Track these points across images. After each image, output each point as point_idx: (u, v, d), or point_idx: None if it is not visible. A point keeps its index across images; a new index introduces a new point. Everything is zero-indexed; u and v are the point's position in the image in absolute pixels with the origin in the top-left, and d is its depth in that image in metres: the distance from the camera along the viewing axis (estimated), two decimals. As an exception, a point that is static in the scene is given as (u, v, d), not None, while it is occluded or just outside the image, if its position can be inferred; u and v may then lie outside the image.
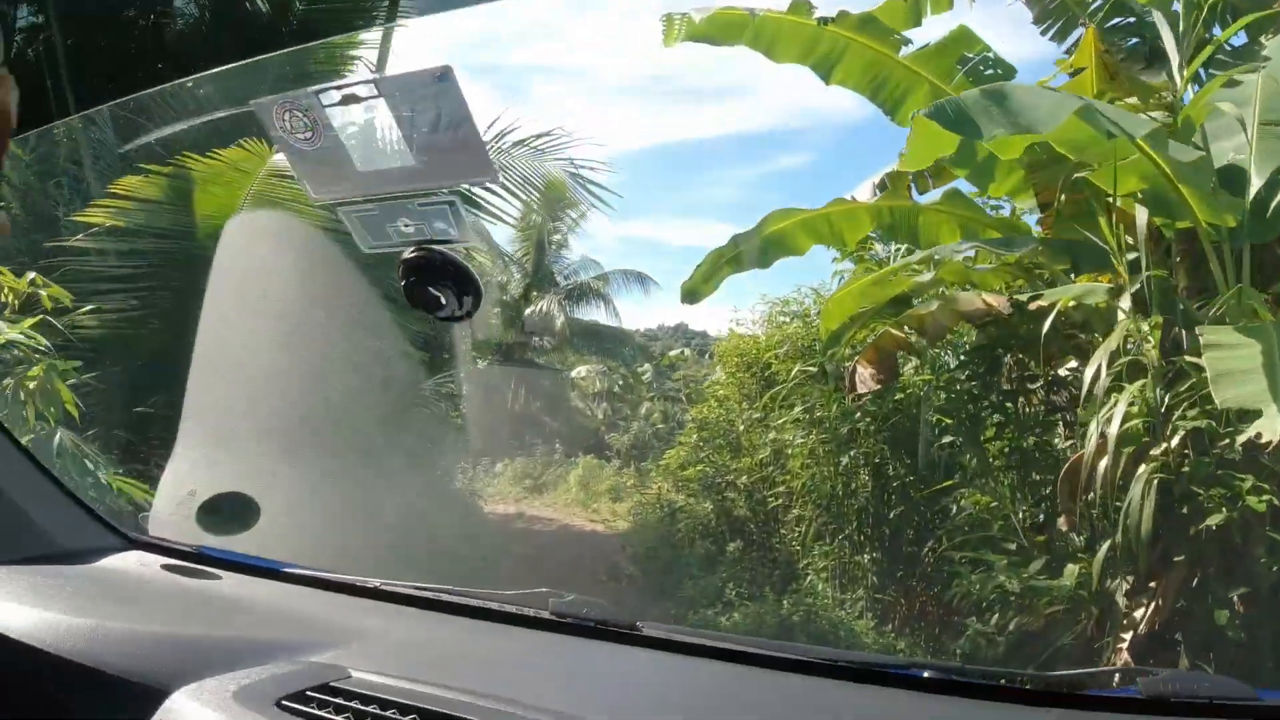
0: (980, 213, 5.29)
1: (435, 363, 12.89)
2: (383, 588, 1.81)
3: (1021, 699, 1.33)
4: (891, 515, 6.48)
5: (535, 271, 21.20)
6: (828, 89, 5.31)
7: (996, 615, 4.31)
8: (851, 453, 6.39)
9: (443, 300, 1.47)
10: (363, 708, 1.32)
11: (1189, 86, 4.58)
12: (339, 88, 1.21)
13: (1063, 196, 4.44)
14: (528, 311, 20.60)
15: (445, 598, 1.77)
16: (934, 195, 5.52)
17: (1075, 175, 4.26)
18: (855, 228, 5.71)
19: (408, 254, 1.42)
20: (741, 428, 8.09)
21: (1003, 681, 1.39)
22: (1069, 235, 4.39)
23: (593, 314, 21.58)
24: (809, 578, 6.96)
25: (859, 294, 5.32)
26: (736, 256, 5.76)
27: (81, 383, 5.39)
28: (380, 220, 1.38)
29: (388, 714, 1.30)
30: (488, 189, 6.07)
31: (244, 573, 1.97)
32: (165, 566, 1.97)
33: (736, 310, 8.36)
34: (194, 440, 3.16)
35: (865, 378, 5.00)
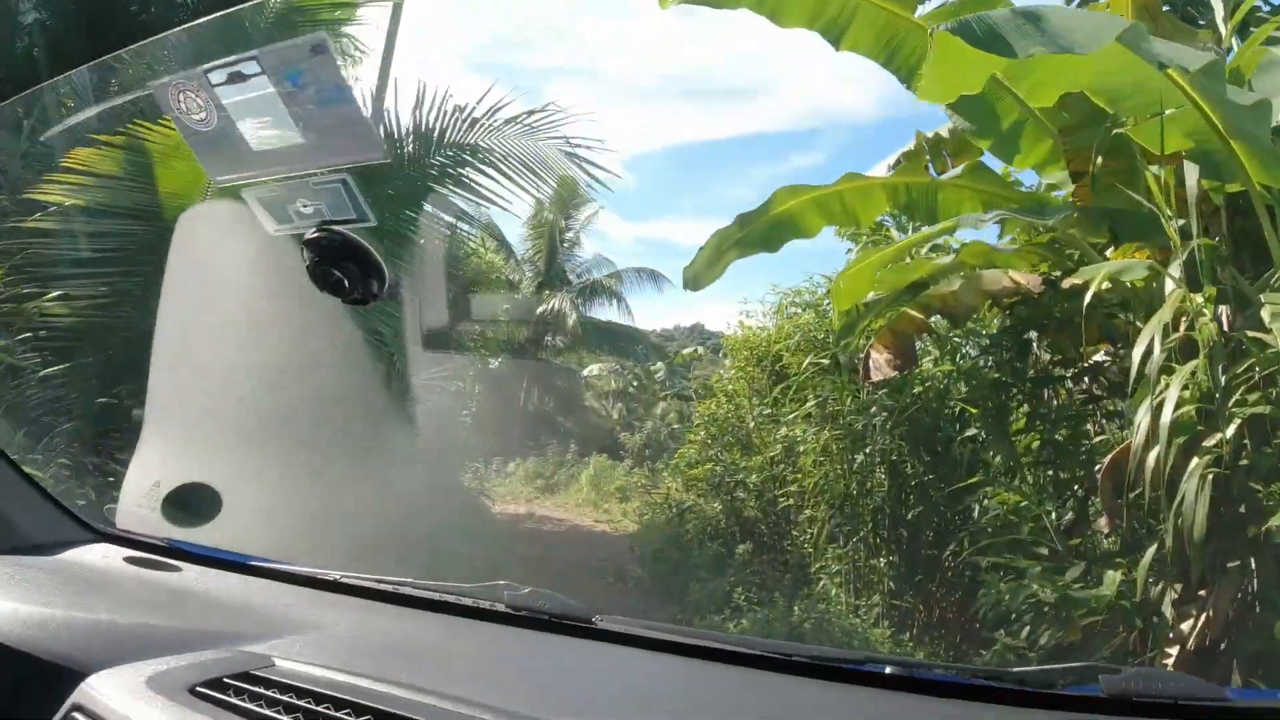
0: (1006, 186, 4.81)
1: (426, 357, 12.65)
2: (342, 580, 1.81)
3: (981, 696, 1.30)
4: (909, 516, 6.02)
5: (548, 269, 20.86)
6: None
7: (1028, 627, 3.85)
8: (866, 449, 5.94)
9: (346, 282, 1.46)
10: (278, 696, 1.32)
11: (1234, 37, 4.11)
12: (225, 65, 1.19)
13: (1099, 160, 3.97)
14: (540, 309, 20.25)
15: (404, 590, 1.76)
16: (955, 173, 5.04)
17: (1115, 132, 3.79)
18: (869, 206, 5.25)
19: (308, 235, 1.41)
20: (751, 424, 7.66)
21: (962, 678, 1.37)
22: (1107, 202, 3.92)
23: (606, 312, 21.20)
24: (821, 582, 6.51)
25: (872, 273, 4.86)
26: (742, 239, 5.33)
27: (50, 374, 5.15)
28: (281, 202, 1.37)
29: (302, 702, 1.30)
30: (481, 170, 5.74)
31: (207, 565, 1.97)
32: (128, 559, 1.98)
33: (746, 302, 7.97)
34: (162, 432, 3.08)
35: (881, 364, 4.53)
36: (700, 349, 18.85)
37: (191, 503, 2.51)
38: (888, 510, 6.03)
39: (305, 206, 1.38)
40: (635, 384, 22.11)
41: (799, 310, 7.20)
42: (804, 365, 6.35)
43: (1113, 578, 3.55)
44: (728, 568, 7.32)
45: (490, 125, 5.47)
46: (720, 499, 7.85)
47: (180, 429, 3.19)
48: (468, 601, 1.68)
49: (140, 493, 2.71)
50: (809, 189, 5.13)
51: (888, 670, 1.34)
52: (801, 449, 6.46)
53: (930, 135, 5.62)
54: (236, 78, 1.21)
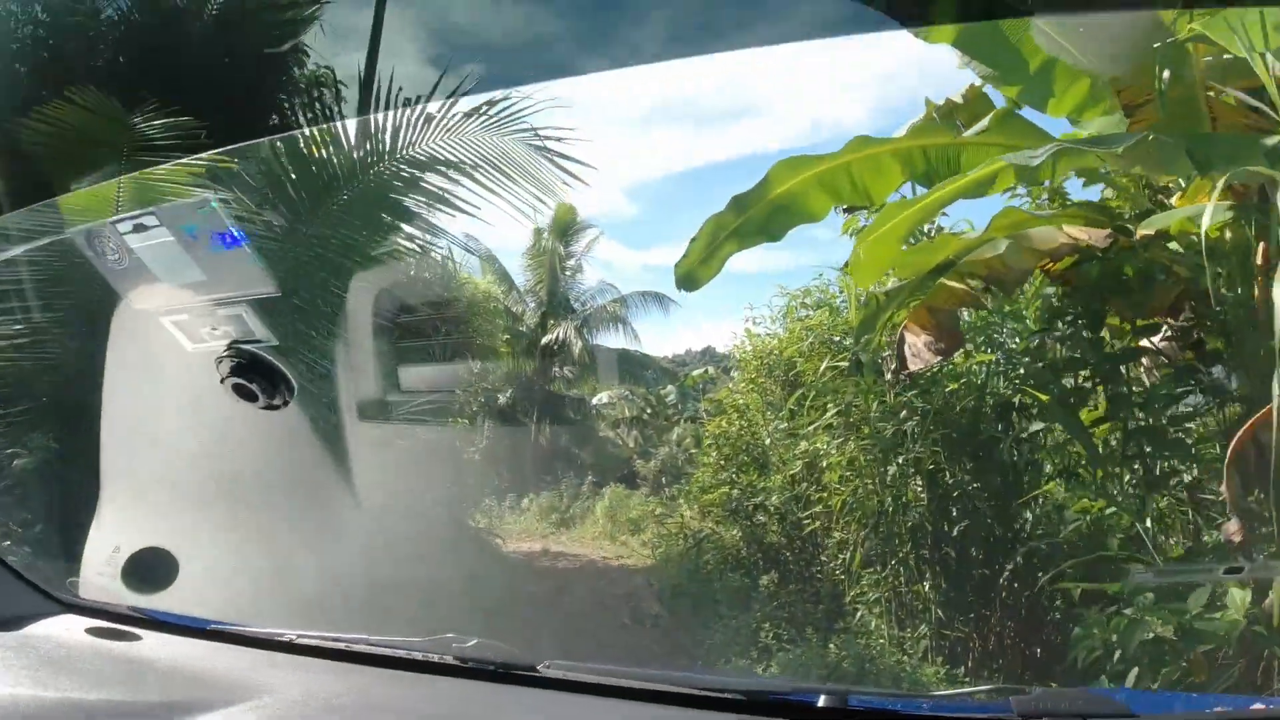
0: (1043, 136, 4.04)
1: (422, 395, 11.92)
2: (296, 641, 1.85)
3: None
4: (954, 532, 5.19)
5: (550, 298, 20.19)
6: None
7: (1135, 668, 2.99)
8: (899, 459, 5.14)
9: (257, 392, 1.69)
10: None
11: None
12: (129, 219, 1.45)
13: (1165, 75, 3.17)
14: (545, 340, 19.56)
15: (355, 648, 1.80)
16: (981, 126, 4.25)
17: (1180, 39, 3.02)
18: (882, 178, 4.47)
19: (219, 354, 1.62)
20: (767, 441, 6.87)
21: (884, 702, 1.40)
22: (1184, 126, 3.14)
23: (612, 339, 20.49)
24: (859, 613, 5.65)
25: (899, 237, 4.07)
26: (740, 228, 4.57)
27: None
28: (193, 324, 1.60)
29: None
30: (441, 172, 5.05)
31: (168, 632, 1.95)
32: (91, 630, 1.95)
33: (752, 309, 7.21)
34: (119, 499, 3.14)
35: (919, 348, 3.68)
36: (710, 369, 18.01)
37: (151, 567, 2.48)
38: (929, 527, 5.20)
39: (214, 329, 1.53)
40: (648, 410, 21.32)
41: (809, 312, 6.44)
42: (820, 370, 5.56)
43: (1240, 598, 2.73)
44: (752, 602, 6.48)
45: (447, 124, 4.78)
46: (739, 525, 7.02)
47: (139, 495, 3.30)
48: (417, 655, 1.70)
49: (100, 560, 2.75)
50: (811, 161, 4.36)
51: (821, 701, 1.34)
52: (825, 464, 5.65)
53: (941, 102, 4.88)
54: (139, 228, 1.44)
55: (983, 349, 4.83)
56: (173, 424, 3.54)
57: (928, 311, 3.63)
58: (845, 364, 5.38)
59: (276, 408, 1.65)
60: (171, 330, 1.68)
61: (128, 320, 3.20)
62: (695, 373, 19.29)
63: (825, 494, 5.77)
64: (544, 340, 19.67)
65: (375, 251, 5.44)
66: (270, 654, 1.88)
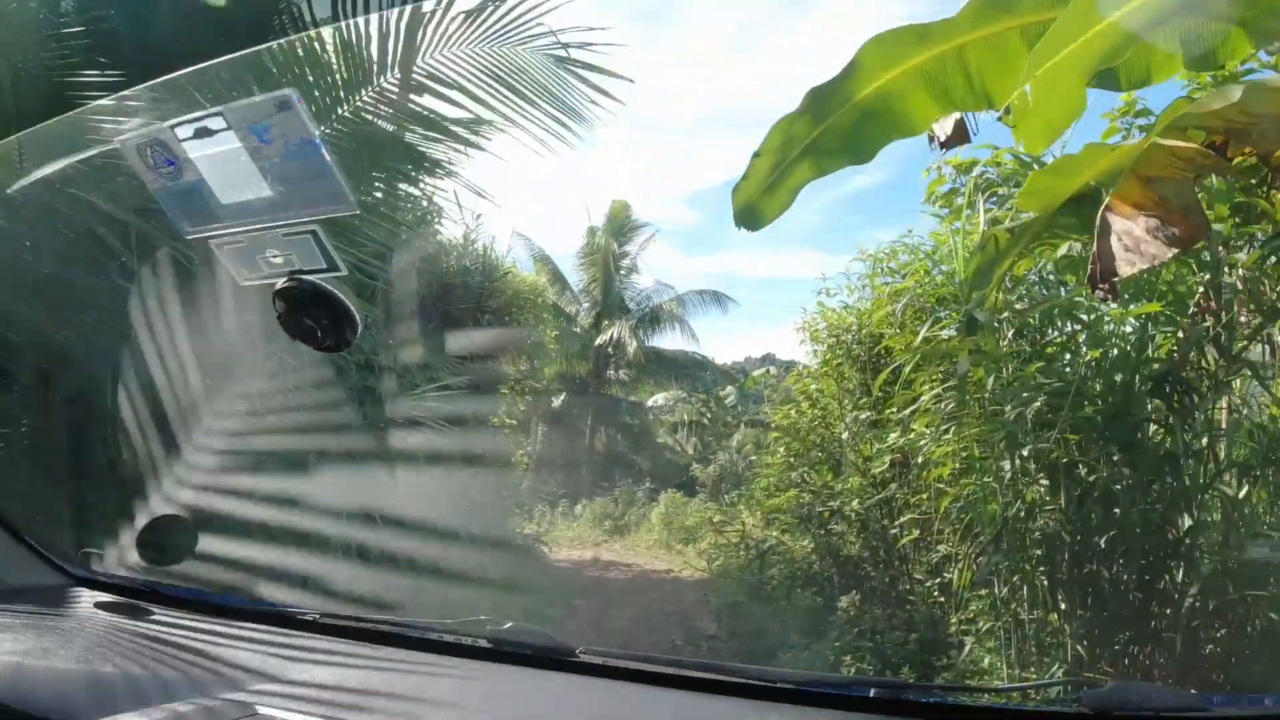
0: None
1: (474, 396, 10.95)
2: (321, 620, 1.76)
3: (964, 715, 1.23)
4: (1099, 543, 3.89)
5: (605, 298, 19.19)
6: None
7: None
8: (1026, 450, 3.87)
9: (317, 331, 1.43)
10: None
11: None
12: (190, 121, 1.17)
13: None
14: (599, 341, 18.54)
15: (383, 629, 1.70)
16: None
17: None
18: (1007, 67, 3.27)
19: (279, 284, 1.37)
20: (845, 434, 5.64)
21: (947, 698, 1.30)
22: None
23: (669, 340, 19.36)
24: (966, 647, 4.37)
25: (1081, 74, 2.78)
26: (818, 143, 3.39)
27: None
28: (250, 252, 1.34)
29: None
30: (442, 95, 3.99)
31: (184, 608, 1.87)
32: (104, 604, 1.87)
33: (825, 278, 5.98)
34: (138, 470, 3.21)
35: (1138, 238, 2.27)
36: (772, 369, 16.70)
37: (168, 540, 2.30)
38: (1066, 539, 3.92)
39: (275, 256, 1.33)
40: (706, 414, 20.10)
41: (894, 279, 5.19)
42: (916, 341, 4.32)
43: None
44: (828, 627, 5.26)
45: (444, 32, 3.73)
46: (810, 534, 5.79)
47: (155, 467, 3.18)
48: (449, 638, 1.61)
49: (116, 532, 2.67)
50: (911, 40, 3.16)
51: (872, 693, 1.27)
52: (921, 459, 4.42)
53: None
54: (203, 133, 1.18)
55: (1142, 298, 3.55)
56: (198, 394, 3.48)
57: (1142, 184, 2.34)
58: (952, 330, 4.14)
59: (337, 349, 1.42)
60: (225, 258, 1.37)
61: (150, 281, 3.24)
62: (756, 373, 17.99)
63: (923, 496, 4.53)
64: (598, 341, 18.66)
65: (365, 212, 4.41)
66: (293, 632, 1.75)
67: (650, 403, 19.50)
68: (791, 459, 6.02)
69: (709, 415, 19.71)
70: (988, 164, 4.99)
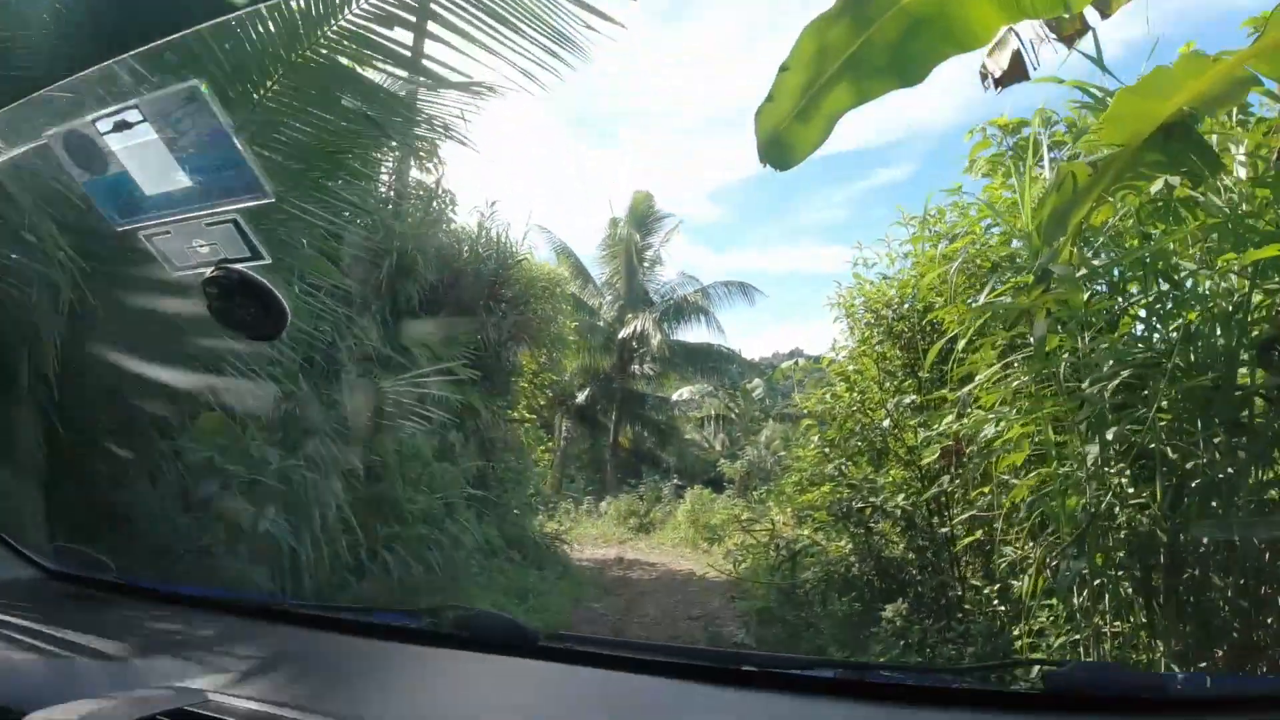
0: None
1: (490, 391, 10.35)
2: (282, 608, 1.77)
3: (929, 698, 1.19)
4: (1205, 543, 3.20)
5: (628, 291, 18.56)
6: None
7: None
8: (1110, 431, 3.18)
9: (247, 319, 1.43)
10: None
11: None
12: (109, 114, 1.19)
13: None
14: (622, 334, 17.92)
15: (350, 617, 1.71)
16: None
17: None
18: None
19: (207, 274, 1.37)
20: (886, 421, 4.96)
21: (910, 680, 1.30)
22: None
23: (694, 332, 18.69)
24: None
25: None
26: (858, 57, 2.73)
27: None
28: (177, 243, 1.36)
29: None
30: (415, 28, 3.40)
31: (149, 599, 1.86)
32: (69, 594, 1.86)
33: (861, 247, 5.27)
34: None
35: None
36: (801, 361, 15.94)
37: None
38: (1160, 537, 3.23)
39: (201, 246, 1.33)
40: (733, 408, 19.41)
41: (946, 241, 4.48)
42: (976, 307, 3.62)
43: None
44: (870, 639, 4.59)
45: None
46: (848, 534, 5.10)
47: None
48: (413, 625, 1.61)
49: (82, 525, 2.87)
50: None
51: (835, 674, 1.28)
52: (981, 446, 3.72)
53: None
54: (122, 125, 1.20)
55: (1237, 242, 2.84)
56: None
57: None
58: (1015, 293, 3.45)
59: (268, 338, 1.67)
60: (155, 250, 1.37)
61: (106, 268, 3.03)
62: (784, 365, 17.27)
63: (984, 489, 3.84)
64: (622, 334, 18.05)
65: (339, 172, 3.84)
66: (254, 622, 1.73)
67: (675, 396, 18.85)
68: (826, 449, 5.33)
69: (736, 409, 19.04)
70: (1042, 125, 4.31)
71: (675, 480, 17.80)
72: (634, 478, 17.67)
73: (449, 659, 1.53)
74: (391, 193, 8.76)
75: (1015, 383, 3.33)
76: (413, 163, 9.67)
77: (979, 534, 3.94)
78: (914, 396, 4.73)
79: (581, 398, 18.66)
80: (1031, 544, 3.73)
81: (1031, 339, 3.15)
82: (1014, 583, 3.81)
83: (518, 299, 10.02)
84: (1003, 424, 3.41)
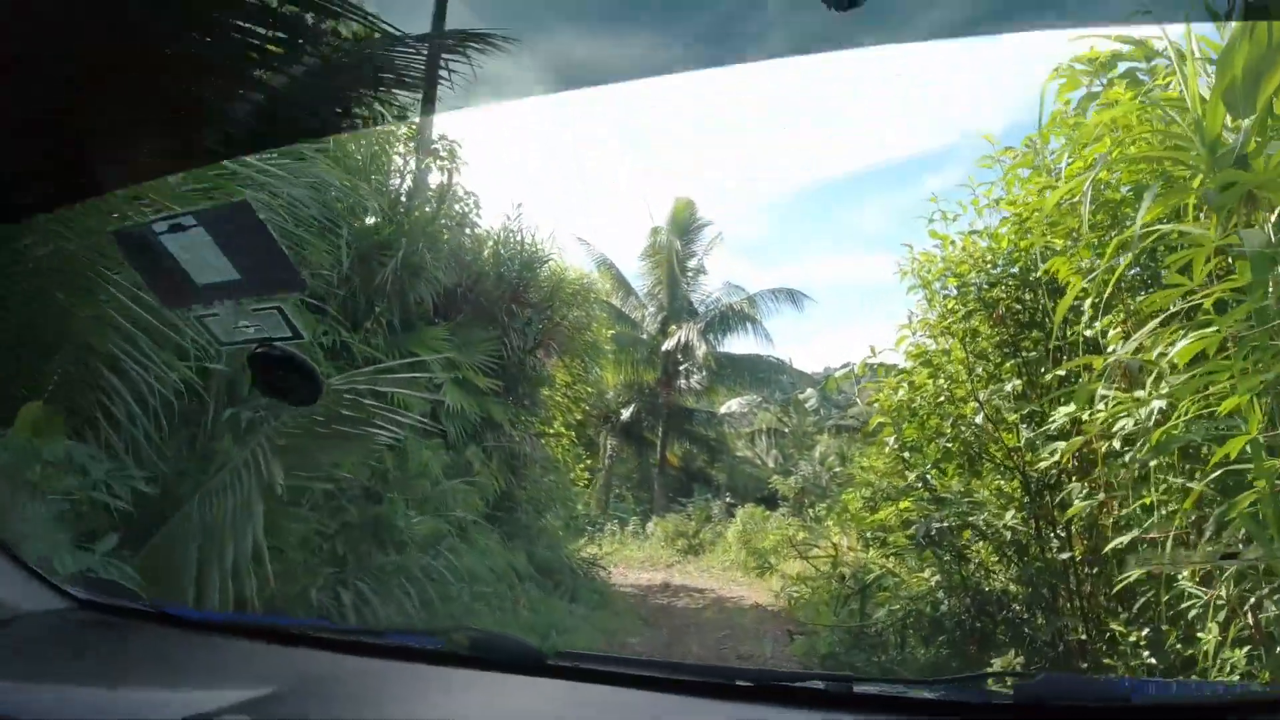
0: None
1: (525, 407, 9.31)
2: (310, 633, 1.75)
3: (899, 708, 1.24)
4: None
5: (671, 301, 17.51)
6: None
7: None
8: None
9: (287, 390, 1.62)
10: None
11: None
12: (166, 218, 1.37)
13: None
14: (666, 346, 16.85)
15: (368, 640, 1.74)
16: None
17: None
18: None
19: (252, 350, 1.51)
20: (971, 416, 3.74)
21: (882, 692, 1.31)
22: None
23: (741, 342, 17.51)
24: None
25: None
26: None
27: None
28: (226, 322, 1.51)
29: None
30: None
31: (183, 626, 1.84)
32: (101, 624, 1.80)
33: (934, 219, 4.06)
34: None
35: None
36: (858, 366, 14.55)
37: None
38: None
39: (247, 327, 1.50)
40: (785, 420, 18.12)
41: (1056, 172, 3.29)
42: (1144, 208, 2.42)
43: None
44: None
45: None
46: (935, 561, 3.90)
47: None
48: (428, 647, 1.61)
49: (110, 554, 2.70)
50: None
51: (824, 686, 1.30)
52: (1121, 441, 2.52)
53: None
54: (176, 228, 1.37)
55: None
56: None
57: None
58: (1173, 230, 2.27)
59: (305, 403, 1.80)
60: (203, 328, 1.62)
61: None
62: (838, 373, 15.86)
63: (1146, 498, 2.62)
64: (665, 346, 16.97)
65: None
66: (282, 646, 1.68)
67: (723, 409, 17.64)
68: (905, 454, 4.12)
69: (788, 422, 17.74)
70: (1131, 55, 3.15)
71: (727, 498, 16.58)
72: (684, 496, 16.52)
73: (459, 679, 1.54)
74: (402, 189, 7.91)
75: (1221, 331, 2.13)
76: (431, 164, 8.92)
77: (1140, 574, 2.70)
78: (1016, 382, 3.53)
79: (626, 414, 17.62)
80: (1225, 578, 2.50)
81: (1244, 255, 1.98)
82: (1188, 629, 2.58)
83: (544, 303, 9.02)
84: (1186, 402, 2.20)
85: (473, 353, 7.81)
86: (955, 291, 3.91)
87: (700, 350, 16.22)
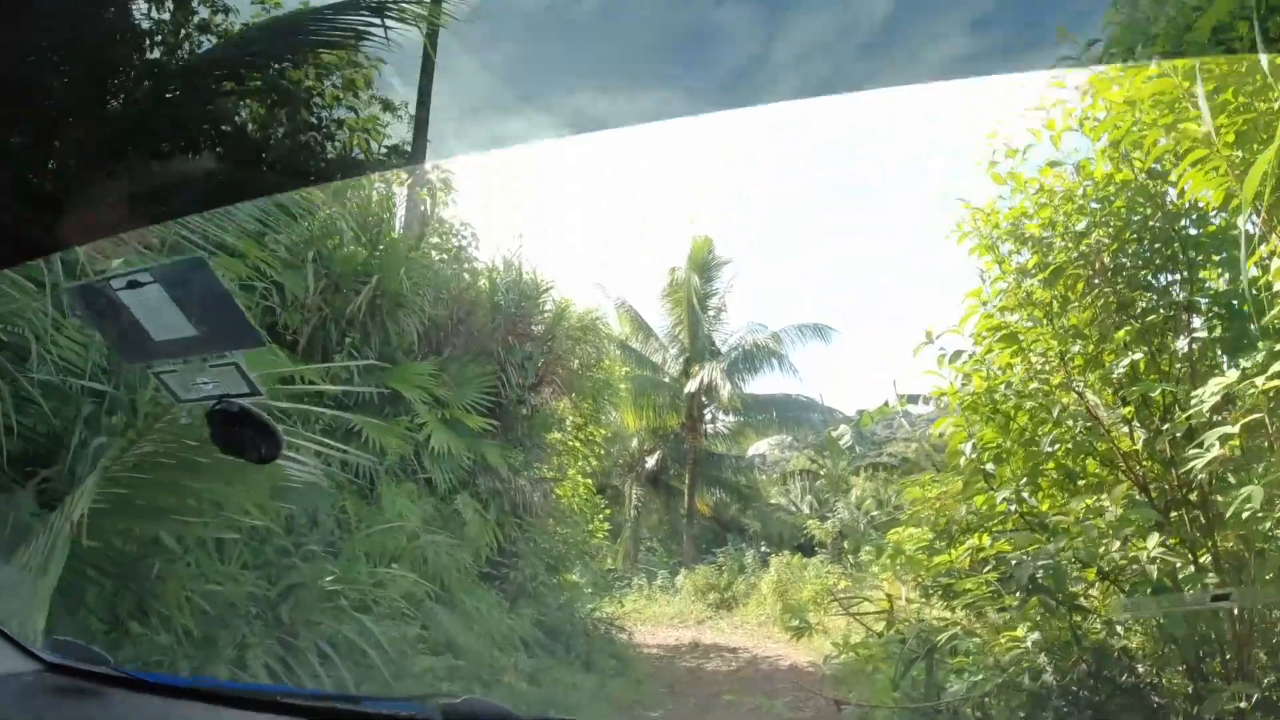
0: None
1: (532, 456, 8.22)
2: (281, 700, 1.72)
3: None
4: None
5: (692, 342, 16.50)
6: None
7: None
8: None
9: (245, 445, 1.57)
10: None
11: None
12: (123, 275, 1.35)
13: None
14: (689, 388, 15.78)
15: (342, 707, 1.66)
16: None
17: None
18: None
19: (212, 406, 1.51)
20: (1071, 407, 2.64)
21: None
22: None
23: (767, 381, 16.38)
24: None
25: None
26: None
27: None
28: (184, 378, 1.50)
29: None
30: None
31: (151, 691, 1.78)
32: (68, 688, 1.75)
33: (994, 157, 3.00)
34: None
35: None
36: (895, 400, 13.43)
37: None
38: None
39: (205, 383, 1.47)
40: (819, 461, 16.84)
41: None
42: None
43: None
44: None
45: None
46: (1039, 615, 2.74)
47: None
48: (403, 714, 1.56)
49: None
50: None
51: None
52: None
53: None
54: (134, 284, 1.34)
55: None
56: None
57: None
58: None
59: (264, 460, 1.57)
60: (163, 383, 1.53)
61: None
62: (871, 410, 14.60)
63: None
64: (688, 388, 15.91)
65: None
66: (251, 714, 1.66)
67: (752, 451, 16.43)
68: (988, 465, 2.97)
69: (822, 463, 16.46)
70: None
71: (761, 547, 15.29)
72: (717, 546, 15.25)
73: None
74: (385, 216, 7.08)
75: None
76: (423, 195, 8.19)
77: None
78: (1138, 355, 2.45)
79: (651, 461, 16.49)
80: None
81: None
82: None
83: (546, 336, 8.05)
84: None
85: (465, 391, 6.83)
86: (1026, 257, 2.85)
87: (725, 391, 15.12)
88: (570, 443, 9.71)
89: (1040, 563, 2.46)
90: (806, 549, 13.78)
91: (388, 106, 6.75)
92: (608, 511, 12.50)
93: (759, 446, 16.36)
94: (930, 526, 3.79)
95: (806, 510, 16.82)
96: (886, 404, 13.47)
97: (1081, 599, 2.71)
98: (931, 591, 3.97)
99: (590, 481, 11.18)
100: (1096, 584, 2.71)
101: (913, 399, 9.74)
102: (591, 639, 7.88)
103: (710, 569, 13.49)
